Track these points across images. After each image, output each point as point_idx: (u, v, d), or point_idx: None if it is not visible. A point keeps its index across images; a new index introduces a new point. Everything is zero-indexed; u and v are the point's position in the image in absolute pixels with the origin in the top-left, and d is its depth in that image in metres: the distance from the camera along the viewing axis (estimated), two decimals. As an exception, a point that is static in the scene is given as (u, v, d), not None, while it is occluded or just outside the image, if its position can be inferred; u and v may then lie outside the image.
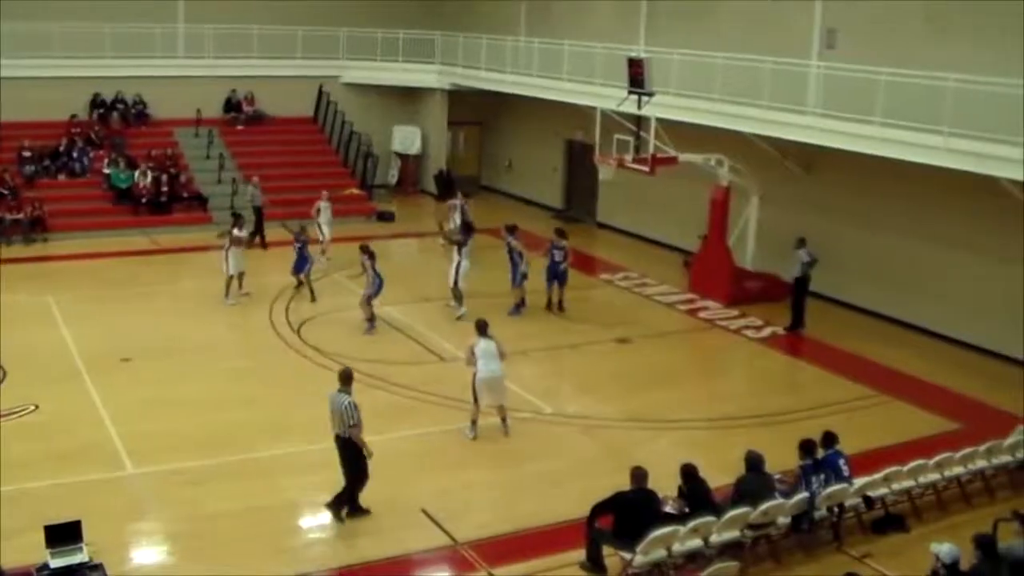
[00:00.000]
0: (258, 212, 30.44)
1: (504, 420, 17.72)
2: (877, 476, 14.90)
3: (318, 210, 29.06)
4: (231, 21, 36.19)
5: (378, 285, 22.84)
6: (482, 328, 17.79)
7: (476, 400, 17.53)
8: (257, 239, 30.19)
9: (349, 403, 14.40)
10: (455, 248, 24.54)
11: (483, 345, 17.45)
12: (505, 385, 17.82)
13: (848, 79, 22.93)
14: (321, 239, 28.67)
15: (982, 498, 15.98)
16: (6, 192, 30.35)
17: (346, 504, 14.75)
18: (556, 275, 24.66)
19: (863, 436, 17.41)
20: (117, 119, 35.29)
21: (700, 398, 20.03)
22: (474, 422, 17.57)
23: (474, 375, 17.50)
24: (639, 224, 33.14)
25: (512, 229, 24.76)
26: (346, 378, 14.73)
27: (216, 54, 36.49)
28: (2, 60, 32.38)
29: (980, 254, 22.81)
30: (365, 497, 15.20)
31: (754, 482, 13.93)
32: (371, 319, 23.02)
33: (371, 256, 22.88)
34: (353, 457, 14.59)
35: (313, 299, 25.17)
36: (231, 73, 36.96)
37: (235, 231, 25.05)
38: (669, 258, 30.43)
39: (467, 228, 25.98)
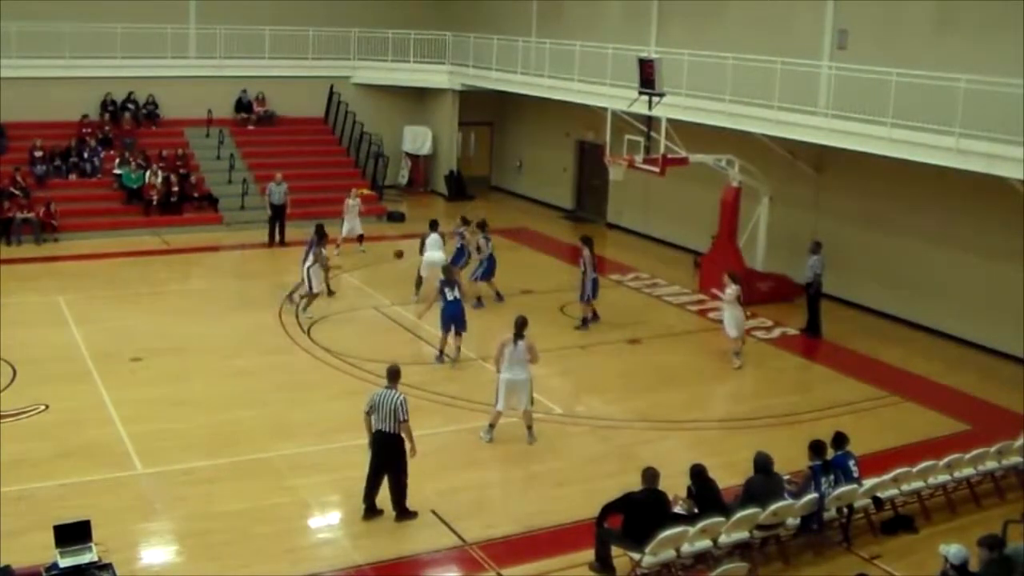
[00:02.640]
0: (277, 210, 30.53)
1: (529, 428, 17.54)
2: (886, 477, 14.87)
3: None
4: (242, 22, 36.31)
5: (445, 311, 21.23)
6: (518, 328, 17.33)
7: (497, 402, 17.47)
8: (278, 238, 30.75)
9: (402, 399, 14.49)
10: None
11: (512, 347, 17.20)
12: (530, 391, 17.48)
13: (859, 80, 22.90)
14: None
15: (992, 499, 15.95)
16: (17, 192, 30.41)
17: (404, 499, 14.79)
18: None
19: (872, 437, 17.41)
20: (128, 119, 35.36)
21: (710, 398, 20.03)
22: (492, 425, 17.49)
23: (499, 376, 17.44)
24: (649, 225, 33.14)
25: (588, 241, 23.95)
26: (394, 375, 14.81)
27: (227, 54, 36.56)
28: (14, 60, 32.58)
29: (991, 255, 22.76)
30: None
31: (763, 484, 13.90)
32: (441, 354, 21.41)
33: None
34: (399, 454, 14.62)
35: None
36: (242, 73, 37.05)
37: (320, 248, 24.13)
38: (679, 259, 30.40)
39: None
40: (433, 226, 26.04)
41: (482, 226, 25.75)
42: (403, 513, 14.78)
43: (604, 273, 28.25)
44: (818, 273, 23.73)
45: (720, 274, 26.26)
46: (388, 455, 14.62)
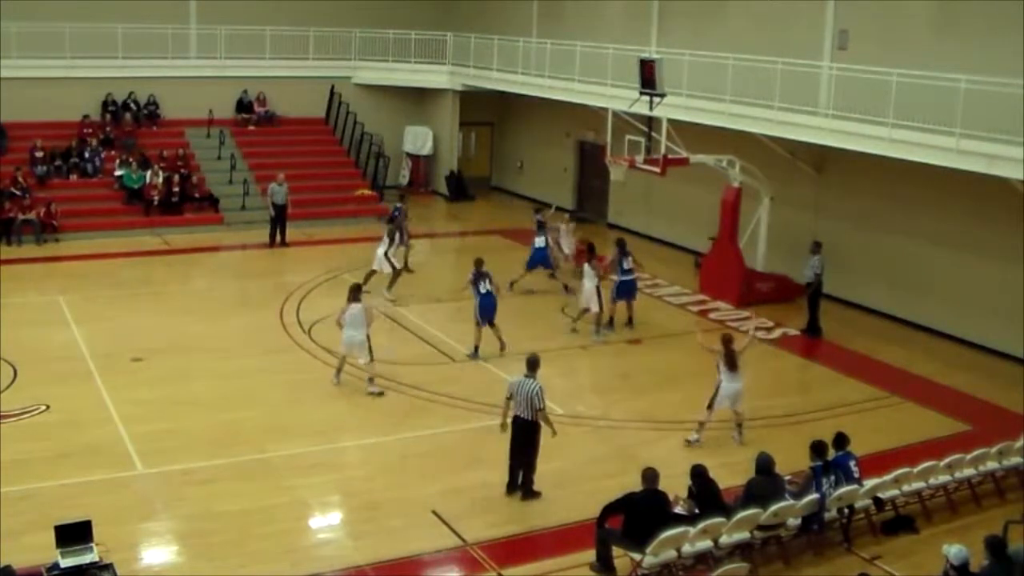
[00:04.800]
0: (280, 210, 30.57)
1: (371, 380, 19.38)
2: (887, 477, 14.87)
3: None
4: (243, 22, 36.28)
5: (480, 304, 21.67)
6: (353, 293, 19.48)
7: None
8: (277, 239, 30.77)
9: (539, 388, 15.22)
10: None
11: (351, 310, 19.15)
12: (362, 346, 19.20)
13: (860, 80, 22.89)
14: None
15: (993, 499, 15.95)
16: (18, 192, 30.40)
17: (533, 481, 15.56)
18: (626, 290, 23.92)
19: (873, 437, 17.41)
20: (129, 120, 35.35)
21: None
22: (338, 371, 19.71)
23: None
24: (650, 225, 33.11)
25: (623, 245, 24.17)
26: (533, 364, 15.55)
27: (228, 55, 36.56)
28: (14, 60, 32.60)
29: (991, 255, 22.75)
30: (377, 495, 15.46)
31: (764, 485, 13.89)
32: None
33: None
34: (535, 439, 15.39)
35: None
36: (243, 74, 37.02)
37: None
38: (680, 259, 30.38)
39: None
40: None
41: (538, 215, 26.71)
42: (529, 493, 15.48)
43: (605, 274, 28.24)
44: (818, 273, 23.74)
45: (721, 275, 26.43)
46: (523, 439, 15.39)
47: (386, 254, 25.22)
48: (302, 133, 38.10)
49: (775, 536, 13.97)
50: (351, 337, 19.23)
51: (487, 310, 21.54)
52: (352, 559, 13.76)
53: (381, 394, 19.22)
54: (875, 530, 14.78)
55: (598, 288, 23.22)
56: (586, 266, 23.47)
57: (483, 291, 21.55)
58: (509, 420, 15.47)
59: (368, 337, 19.29)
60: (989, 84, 19.85)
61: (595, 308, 23.18)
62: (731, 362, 17.56)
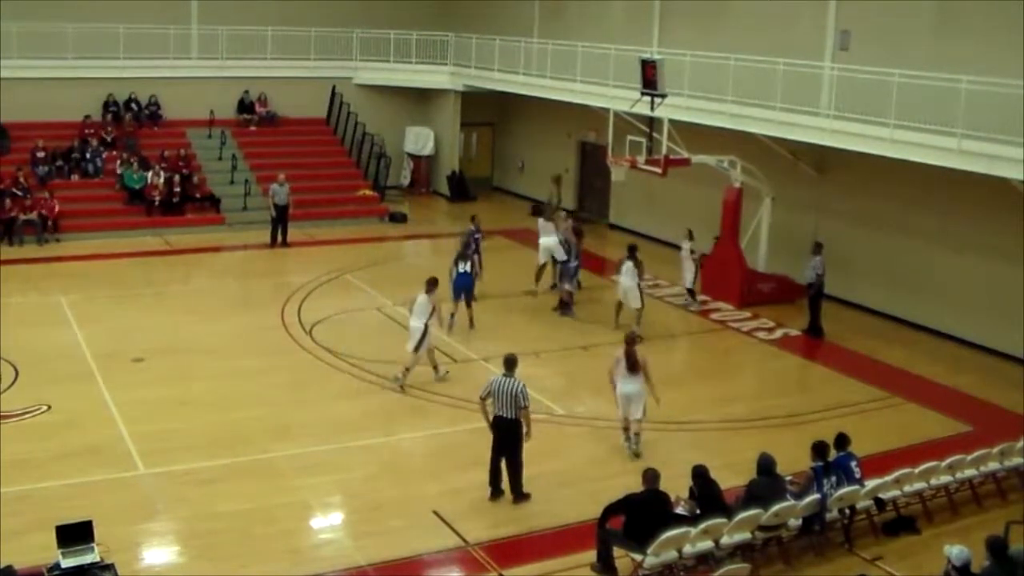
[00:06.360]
0: (281, 211, 30.60)
1: (435, 368, 20.10)
2: (888, 478, 14.86)
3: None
4: (244, 22, 36.29)
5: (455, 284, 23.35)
6: (428, 285, 19.93)
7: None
8: (279, 239, 30.84)
9: (523, 386, 15.19)
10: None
11: (417, 300, 19.75)
12: (417, 339, 19.49)
13: (861, 81, 22.89)
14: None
15: (994, 500, 15.94)
16: (20, 192, 30.41)
17: (521, 482, 15.45)
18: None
19: (875, 438, 17.39)
20: (130, 120, 35.35)
21: (711, 399, 19.99)
22: (407, 370, 19.76)
23: None
24: (651, 225, 33.08)
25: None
26: (511, 363, 15.47)
27: (229, 55, 36.55)
28: (16, 61, 32.62)
29: (993, 256, 22.75)
30: (378, 495, 15.47)
31: (765, 486, 13.88)
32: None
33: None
34: (517, 438, 15.29)
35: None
36: (244, 74, 37.01)
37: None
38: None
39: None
40: (536, 211, 26.18)
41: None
42: (520, 496, 15.38)
43: (606, 274, 28.26)
44: (820, 274, 23.73)
45: (723, 275, 26.41)
46: (506, 439, 15.28)
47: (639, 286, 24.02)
48: (303, 133, 38.09)
49: (776, 537, 13.97)
50: (412, 326, 19.71)
51: (459, 289, 23.17)
52: (353, 559, 13.76)
53: (401, 388, 19.52)
54: (876, 531, 14.77)
55: (640, 286, 23.59)
56: (628, 263, 23.47)
57: (460, 271, 23.15)
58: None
59: (426, 327, 19.53)
60: (990, 84, 19.86)
61: (636, 304, 23.43)
62: (631, 364, 17.04)
